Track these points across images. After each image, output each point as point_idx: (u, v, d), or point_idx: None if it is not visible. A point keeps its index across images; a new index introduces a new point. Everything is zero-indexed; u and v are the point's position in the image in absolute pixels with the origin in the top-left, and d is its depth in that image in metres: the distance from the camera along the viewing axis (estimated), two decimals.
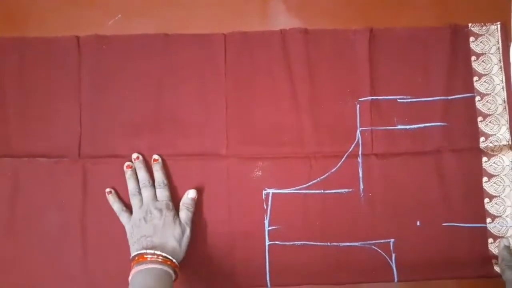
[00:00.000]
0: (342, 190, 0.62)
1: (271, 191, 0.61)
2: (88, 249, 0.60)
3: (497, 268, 0.60)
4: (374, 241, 0.61)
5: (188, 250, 0.58)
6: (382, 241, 0.61)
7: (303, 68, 0.63)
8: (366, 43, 0.63)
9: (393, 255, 0.60)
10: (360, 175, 0.62)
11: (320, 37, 0.64)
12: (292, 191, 0.62)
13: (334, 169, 0.62)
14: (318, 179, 0.62)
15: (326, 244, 0.61)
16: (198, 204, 0.61)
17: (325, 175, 0.62)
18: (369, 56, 0.63)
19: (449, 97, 0.63)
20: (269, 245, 0.61)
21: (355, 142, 0.62)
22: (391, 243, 0.61)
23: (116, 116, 0.62)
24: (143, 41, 0.63)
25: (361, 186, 0.61)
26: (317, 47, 0.63)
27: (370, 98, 0.63)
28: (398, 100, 0.63)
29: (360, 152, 0.62)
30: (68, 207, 0.61)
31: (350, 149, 0.62)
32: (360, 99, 0.63)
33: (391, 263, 0.60)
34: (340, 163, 0.62)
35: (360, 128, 0.62)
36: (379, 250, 0.60)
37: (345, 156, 0.62)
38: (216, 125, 0.62)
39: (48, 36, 0.64)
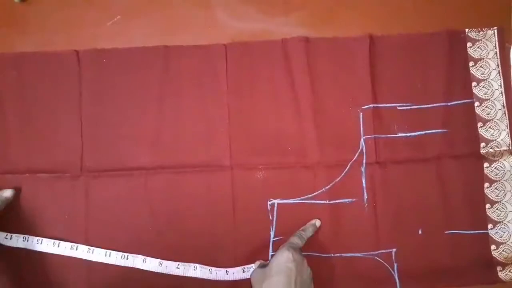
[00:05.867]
0: (347, 200, 0.61)
1: (276, 201, 0.60)
2: (93, 263, 0.59)
3: (501, 275, 0.60)
4: (376, 252, 0.60)
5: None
6: (384, 251, 0.60)
7: (305, 77, 0.62)
8: (367, 50, 0.62)
9: (395, 265, 0.60)
10: (364, 184, 0.61)
11: (320, 46, 0.63)
12: (297, 201, 0.61)
13: (338, 179, 0.61)
14: (323, 189, 0.61)
15: (329, 255, 0.60)
16: (203, 215, 0.60)
17: (331, 184, 0.61)
18: (370, 64, 0.62)
19: (449, 103, 0.63)
20: (272, 255, 0.59)
21: (359, 150, 0.61)
22: (393, 253, 0.60)
23: (117, 129, 0.61)
24: (143, 53, 0.62)
25: (365, 196, 0.61)
26: (318, 55, 0.63)
27: (372, 105, 0.62)
28: (398, 108, 0.62)
29: (364, 161, 0.61)
30: (71, 222, 0.60)
31: (354, 158, 0.61)
32: (363, 107, 0.62)
33: (393, 273, 0.60)
34: (344, 172, 0.61)
35: (364, 137, 0.62)
36: (381, 260, 0.60)
37: (349, 165, 0.61)
38: (219, 136, 0.61)
39: (47, 50, 0.63)
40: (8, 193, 0.59)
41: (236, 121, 0.62)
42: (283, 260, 0.51)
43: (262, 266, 0.56)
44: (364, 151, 0.61)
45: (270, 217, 0.60)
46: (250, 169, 0.61)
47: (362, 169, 0.61)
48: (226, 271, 0.58)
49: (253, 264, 0.58)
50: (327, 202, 0.61)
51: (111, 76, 0.62)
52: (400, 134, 0.62)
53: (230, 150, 0.61)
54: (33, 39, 0.64)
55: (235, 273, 0.59)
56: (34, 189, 0.60)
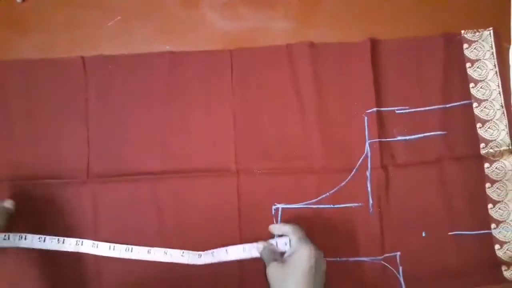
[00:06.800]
0: (351, 205, 0.61)
1: (280, 206, 0.61)
2: (102, 269, 0.60)
3: (506, 274, 0.60)
4: (382, 256, 0.60)
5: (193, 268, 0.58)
6: (388, 254, 0.60)
7: (310, 81, 0.63)
8: (368, 55, 0.63)
9: (400, 268, 0.60)
10: (369, 189, 0.61)
11: (324, 50, 0.63)
12: (301, 206, 0.61)
13: (343, 183, 0.61)
14: (327, 193, 0.61)
15: (335, 259, 0.60)
16: (208, 220, 0.61)
17: (335, 189, 0.61)
18: (372, 68, 0.63)
19: (447, 106, 0.63)
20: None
21: (364, 155, 0.62)
22: (397, 256, 0.60)
23: (124, 135, 0.62)
24: (149, 59, 0.63)
25: (370, 200, 0.61)
26: (323, 60, 0.63)
27: (375, 109, 0.62)
28: (396, 111, 0.63)
29: (369, 166, 0.62)
30: (79, 229, 0.60)
31: (359, 163, 0.62)
32: (367, 111, 0.62)
33: (398, 277, 0.60)
34: (349, 177, 0.61)
35: (369, 141, 0.62)
36: (387, 265, 0.60)
37: (354, 170, 0.61)
38: (224, 141, 0.62)
39: (53, 57, 0.63)
40: (8, 203, 0.57)
41: (241, 126, 0.62)
42: (305, 258, 0.51)
43: (273, 252, 0.55)
44: (369, 155, 0.62)
45: (275, 222, 0.61)
46: (255, 174, 0.61)
47: (367, 173, 0.61)
48: (226, 250, 0.58)
49: (255, 243, 0.57)
50: (331, 206, 0.61)
51: (117, 82, 0.63)
52: (399, 138, 0.62)
53: (235, 155, 0.62)
54: (33, 39, 0.64)
55: (236, 252, 0.58)
56: (41, 195, 0.60)
